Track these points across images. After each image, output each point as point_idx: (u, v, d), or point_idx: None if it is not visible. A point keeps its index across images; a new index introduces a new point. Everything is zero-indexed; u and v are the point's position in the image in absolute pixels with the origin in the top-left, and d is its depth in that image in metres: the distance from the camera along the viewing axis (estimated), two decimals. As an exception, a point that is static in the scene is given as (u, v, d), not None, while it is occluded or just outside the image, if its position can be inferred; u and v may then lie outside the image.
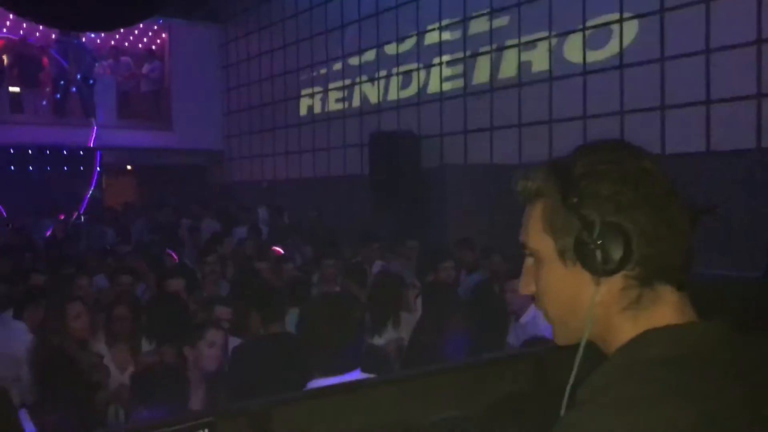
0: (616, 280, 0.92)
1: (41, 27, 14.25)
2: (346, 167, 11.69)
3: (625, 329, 0.93)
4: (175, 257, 7.24)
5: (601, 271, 0.91)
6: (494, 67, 9.08)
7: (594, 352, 0.99)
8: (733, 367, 0.88)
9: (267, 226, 10.88)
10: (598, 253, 0.90)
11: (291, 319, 3.61)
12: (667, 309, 0.93)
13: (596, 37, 7.85)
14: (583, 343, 0.95)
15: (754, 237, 5.60)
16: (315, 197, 12.04)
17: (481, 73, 9.25)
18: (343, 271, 5.62)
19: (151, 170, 15.77)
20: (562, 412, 0.96)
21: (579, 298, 0.95)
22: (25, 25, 14.28)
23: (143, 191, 15.85)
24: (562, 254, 0.95)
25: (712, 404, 0.82)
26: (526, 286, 1.03)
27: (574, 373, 0.95)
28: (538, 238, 0.99)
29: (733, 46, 6.56)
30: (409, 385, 2.00)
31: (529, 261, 1.03)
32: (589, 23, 7.91)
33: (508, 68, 8.88)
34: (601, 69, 7.79)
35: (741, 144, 6.44)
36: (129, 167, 15.98)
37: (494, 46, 9.07)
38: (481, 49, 9.23)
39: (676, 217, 0.92)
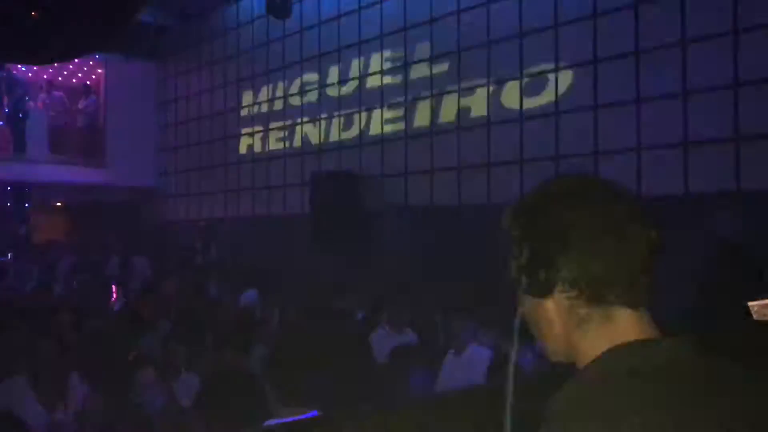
0: (562, 301, 1.01)
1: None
2: (287, 206, 11.65)
3: (585, 346, 1.00)
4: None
5: (533, 293, 1.02)
6: (434, 112, 9.29)
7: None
8: (701, 380, 0.93)
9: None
10: (525, 279, 1.02)
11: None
12: (622, 326, 0.99)
13: (533, 85, 8.15)
14: (513, 362, 1.08)
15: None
16: (254, 236, 11.93)
17: (422, 117, 9.44)
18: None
19: (83, 207, 15.34)
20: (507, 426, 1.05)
21: (538, 320, 1.05)
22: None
23: (74, 229, 15.38)
24: (517, 281, 1.05)
25: (686, 414, 0.88)
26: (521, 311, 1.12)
27: (510, 387, 1.08)
28: (512, 268, 1.08)
29: (661, 97, 6.92)
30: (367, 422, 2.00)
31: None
32: (526, 71, 8.21)
33: (448, 113, 9.10)
34: (538, 115, 8.07)
35: (671, 189, 6.74)
36: (59, 204, 15.50)
37: (434, 91, 9.29)
38: (422, 94, 9.44)
39: (618, 240, 0.98)
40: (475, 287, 6.65)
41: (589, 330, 1.00)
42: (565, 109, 7.82)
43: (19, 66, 13.41)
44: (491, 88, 8.59)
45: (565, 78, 7.86)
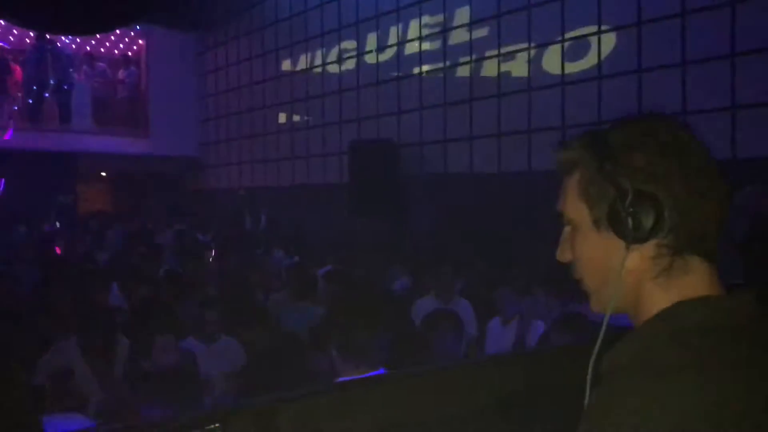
0: (648, 249, 0.95)
1: (15, 32, 14.11)
2: (326, 175, 11.70)
3: (657, 298, 0.95)
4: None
5: (632, 238, 0.93)
6: (474, 77, 9.18)
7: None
8: (765, 338, 0.90)
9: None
10: (630, 221, 0.93)
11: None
12: (697, 279, 0.95)
13: (575, 49, 7.98)
14: (609, 310, 0.98)
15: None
16: (293, 205, 12.03)
17: (461, 83, 9.34)
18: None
19: (126, 177, 15.62)
20: (588, 383, 0.98)
21: (610, 266, 0.97)
22: (-1, 29, 14.13)
23: (119, 198, 15.69)
24: (596, 222, 0.98)
25: (753, 372, 0.85)
26: (562, 253, 1.05)
27: (599, 343, 0.97)
28: (574, 206, 1.01)
29: (708, 59, 6.72)
30: (415, 382, 2.03)
31: (566, 230, 1.05)
32: (567, 35, 8.04)
33: (488, 78, 8.98)
34: (580, 80, 7.91)
35: (717, 155, 6.57)
36: (103, 174, 15.80)
37: (474, 57, 9.16)
38: (461, 60, 9.33)
39: (710, 189, 0.94)
40: (516, 255, 6.62)
41: (664, 281, 0.95)
42: (607, 73, 7.65)
43: (63, 38, 13.60)
44: (532, 53, 8.44)
45: (608, 41, 7.68)
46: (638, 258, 0.95)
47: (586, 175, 0.99)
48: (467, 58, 9.23)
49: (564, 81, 8.08)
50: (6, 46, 13.91)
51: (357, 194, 9.67)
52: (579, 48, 7.93)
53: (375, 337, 2.09)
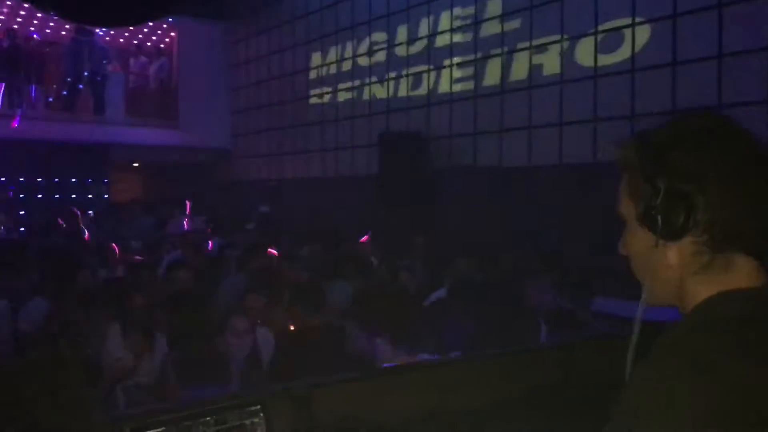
0: (686, 245, 0.97)
1: (52, 23, 14.34)
2: (354, 167, 11.73)
3: (698, 292, 0.97)
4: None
5: (663, 235, 0.97)
6: (505, 70, 9.12)
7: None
8: None
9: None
10: (660, 219, 0.96)
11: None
12: (739, 275, 0.96)
13: (608, 41, 7.90)
14: (653, 303, 1.02)
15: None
16: (322, 197, 12.09)
17: (492, 76, 9.29)
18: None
19: (157, 168, 15.81)
20: (628, 368, 1.01)
21: (653, 261, 1.01)
22: (35, 21, 14.36)
23: (151, 188, 15.89)
24: (640, 219, 1.01)
25: None
26: (621, 248, 1.09)
27: (635, 334, 1.02)
28: (624, 204, 1.06)
29: (745, 52, 6.60)
30: (449, 370, 2.04)
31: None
32: (601, 27, 7.95)
33: (519, 71, 8.93)
34: (613, 72, 7.82)
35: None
36: (136, 164, 16.01)
37: (505, 49, 9.11)
38: (492, 52, 9.28)
39: (756, 185, 0.95)
40: (546, 249, 6.58)
41: (706, 276, 0.97)
42: (642, 66, 7.56)
43: (97, 30, 13.78)
44: (564, 45, 8.37)
45: (643, 33, 7.57)
46: (677, 254, 0.98)
47: (632, 174, 1.02)
48: (498, 51, 9.18)
49: (597, 74, 8.00)
50: (40, 38, 14.12)
51: (386, 186, 9.68)
52: (612, 40, 7.84)
53: (417, 326, 2.11)
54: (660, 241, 0.99)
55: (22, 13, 14.09)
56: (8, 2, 13.74)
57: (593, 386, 1.80)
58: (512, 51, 9.02)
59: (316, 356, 3.23)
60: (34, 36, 13.89)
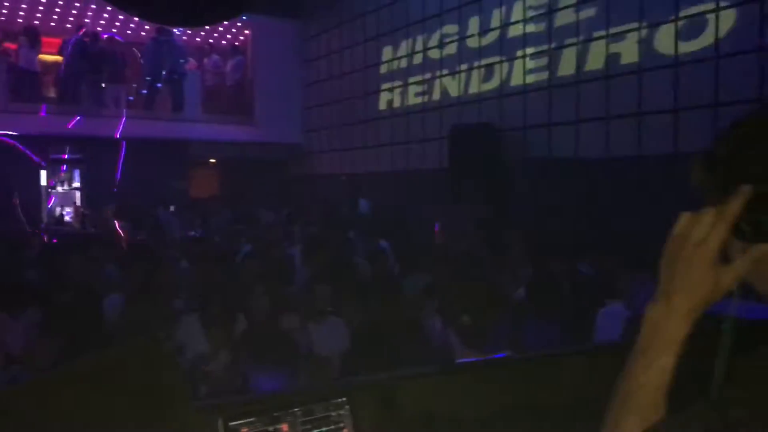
0: None
1: (133, 24, 14.87)
2: (426, 161, 11.71)
3: None
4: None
5: (748, 240, 0.93)
6: (580, 59, 8.92)
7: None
8: None
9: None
10: (752, 226, 0.93)
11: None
12: None
13: (690, 28, 7.61)
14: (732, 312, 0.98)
15: None
16: (393, 191, 12.13)
17: (567, 66, 9.10)
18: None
19: (233, 163, 16.19)
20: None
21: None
22: (117, 23, 14.92)
23: (227, 183, 16.29)
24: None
25: None
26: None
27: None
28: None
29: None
30: (532, 367, 2.02)
31: None
32: (682, 13, 7.67)
33: (595, 60, 8.71)
34: (695, 60, 7.54)
35: None
36: (213, 160, 16.45)
37: (581, 38, 8.91)
38: (567, 41, 9.09)
39: None
40: (625, 241, 6.42)
41: None
42: (726, 53, 7.25)
43: (174, 30, 14.20)
44: (643, 33, 8.11)
45: (727, 18, 7.27)
46: None
47: (710, 193, 0.98)
48: (574, 40, 8.98)
49: (678, 62, 7.72)
50: (122, 39, 14.66)
51: (458, 179, 9.63)
52: (694, 27, 7.55)
53: (495, 322, 2.10)
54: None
55: (105, 15, 14.66)
56: (92, 6, 14.31)
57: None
58: (588, 40, 8.80)
59: (390, 349, 3.25)
60: (117, 38, 14.43)
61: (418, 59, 11.97)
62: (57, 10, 14.52)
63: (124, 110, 13.66)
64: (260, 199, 13.58)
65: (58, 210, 14.16)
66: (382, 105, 12.99)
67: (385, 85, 12.90)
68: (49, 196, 14.39)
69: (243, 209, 12.23)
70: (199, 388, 3.53)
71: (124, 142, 13.79)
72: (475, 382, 1.93)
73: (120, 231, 9.78)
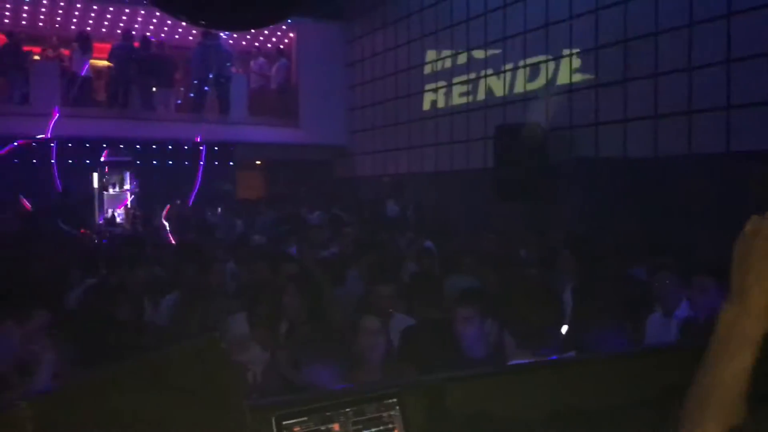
0: None
1: (180, 29, 15.16)
2: (470, 161, 11.66)
3: None
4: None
5: None
6: (628, 58, 8.77)
7: None
8: None
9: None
10: None
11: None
12: None
13: (743, 24, 7.42)
14: None
15: None
16: (437, 192, 12.11)
17: (614, 64, 8.96)
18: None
19: (278, 165, 16.38)
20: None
21: None
22: (166, 27, 15.23)
23: (272, 185, 16.48)
24: None
25: None
26: None
27: None
28: None
29: None
30: (582, 369, 2.00)
31: None
32: (734, 8, 7.48)
33: (643, 57, 8.55)
34: (748, 57, 7.34)
35: None
36: (258, 162, 16.66)
37: (628, 35, 8.75)
38: (614, 39, 8.94)
39: None
40: (673, 243, 6.29)
41: None
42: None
43: (221, 34, 14.44)
44: (693, 30, 7.93)
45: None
46: None
47: None
48: (621, 37, 8.83)
49: (729, 58, 7.53)
50: (170, 44, 14.97)
51: (503, 180, 9.56)
52: (749, 24, 7.35)
53: (549, 323, 2.08)
54: None
55: (154, 20, 14.98)
56: (142, 11, 14.65)
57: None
58: (635, 38, 8.65)
59: (432, 350, 3.24)
60: (166, 42, 14.74)
61: (462, 59, 11.93)
62: (108, 16, 14.89)
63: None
64: (305, 201, 13.71)
65: (110, 212, 14.52)
66: (426, 105, 12.98)
67: (429, 86, 12.88)
68: (101, 198, 14.77)
69: (288, 210, 12.35)
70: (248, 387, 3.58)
71: (169, 146, 14.09)
72: (528, 384, 1.92)
73: (169, 232, 9.97)
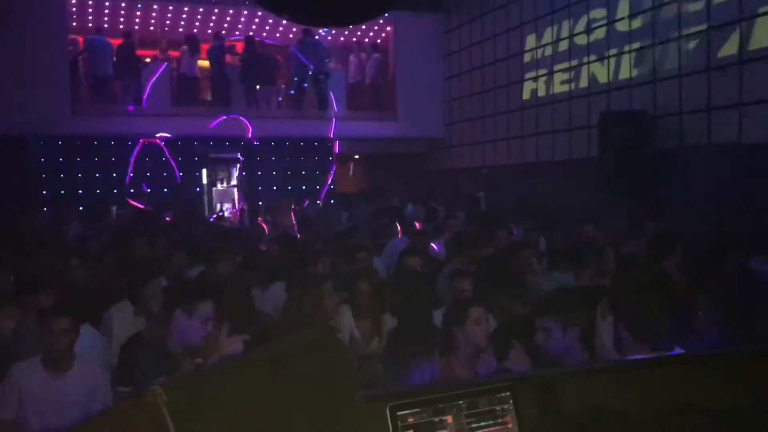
0: None
1: (281, 28, 15.54)
2: (572, 151, 11.36)
3: None
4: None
5: None
6: (743, 38, 8.28)
7: None
8: None
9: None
10: None
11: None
12: None
13: None
14: None
15: None
16: (537, 183, 11.88)
17: (728, 45, 8.48)
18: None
19: (375, 158, 16.54)
20: None
21: None
22: (267, 27, 15.65)
23: (369, 179, 16.66)
24: None
25: None
26: None
27: None
28: None
29: None
30: (697, 366, 1.92)
31: None
32: None
33: (761, 38, 8.05)
34: None
35: None
36: (357, 156, 16.87)
37: (743, 15, 8.27)
38: (728, 19, 8.46)
39: None
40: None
41: None
42: None
43: (319, 30, 14.69)
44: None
45: None
46: None
47: None
48: (736, 17, 8.35)
49: None
50: (272, 43, 15.37)
51: (608, 169, 9.26)
52: None
53: (667, 317, 2.01)
54: None
55: (256, 20, 15.42)
56: (245, 11, 15.11)
57: None
58: (752, 16, 8.16)
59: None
60: (268, 42, 15.15)
61: (563, 46, 11.62)
62: (213, 17, 15.45)
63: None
64: (400, 194, 13.78)
65: (218, 206, 15.10)
66: (526, 94, 12.74)
67: (528, 74, 12.63)
68: (210, 193, 15.39)
69: (386, 203, 12.45)
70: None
71: (273, 143, 14.49)
72: (644, 380, 1.86)
73: (274, 226, 10.26)
